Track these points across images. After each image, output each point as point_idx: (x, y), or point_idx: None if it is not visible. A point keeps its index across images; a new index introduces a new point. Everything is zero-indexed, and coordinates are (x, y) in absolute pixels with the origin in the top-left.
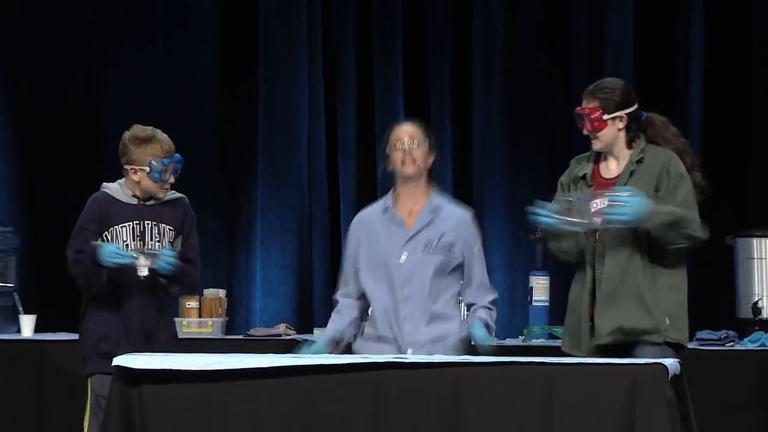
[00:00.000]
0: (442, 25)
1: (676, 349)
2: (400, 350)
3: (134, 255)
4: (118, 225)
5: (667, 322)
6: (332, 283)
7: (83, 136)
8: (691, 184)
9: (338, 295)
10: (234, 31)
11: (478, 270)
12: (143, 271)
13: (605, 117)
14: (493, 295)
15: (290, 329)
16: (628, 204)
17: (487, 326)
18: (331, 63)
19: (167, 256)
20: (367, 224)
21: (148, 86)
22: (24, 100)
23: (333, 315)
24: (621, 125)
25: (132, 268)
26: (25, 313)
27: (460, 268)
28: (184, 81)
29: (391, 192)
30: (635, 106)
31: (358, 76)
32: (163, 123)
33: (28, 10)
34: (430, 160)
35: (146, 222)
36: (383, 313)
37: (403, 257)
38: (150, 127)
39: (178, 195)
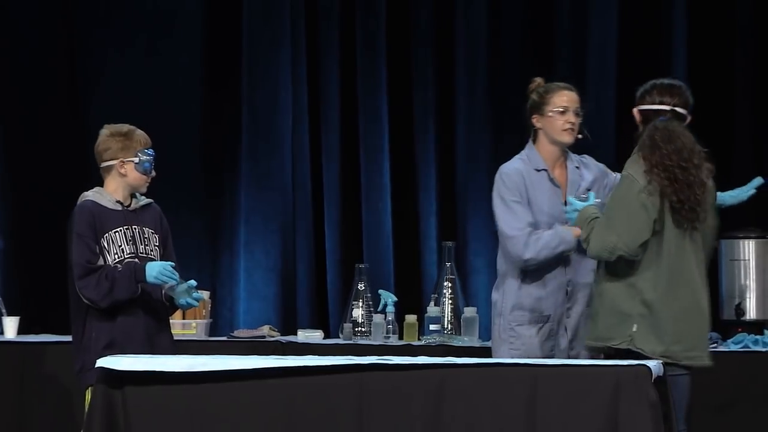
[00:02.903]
0: (425, 27)
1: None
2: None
3: (178, 280)
4: (111, 231)
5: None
6: (316, 285)
7: (67, 137)
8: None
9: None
10: (217, 33)
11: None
12: (172, 293)
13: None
14: None
15: (274, 331)
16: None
17: None
18: (315, 64)
19: (198, 294)
20: (526, 178)
21: (131, 87)
22: (7, 101)
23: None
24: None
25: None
26: (9, 314)
27: None
28: (167, 82)
29: (532, 148)
30: (646, 106)
31: (342, 78)
32: (146, 124)
33: (10, 11)
34: None
35: (133, 227)
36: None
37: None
38: (124, 124)
39: (149, 200)
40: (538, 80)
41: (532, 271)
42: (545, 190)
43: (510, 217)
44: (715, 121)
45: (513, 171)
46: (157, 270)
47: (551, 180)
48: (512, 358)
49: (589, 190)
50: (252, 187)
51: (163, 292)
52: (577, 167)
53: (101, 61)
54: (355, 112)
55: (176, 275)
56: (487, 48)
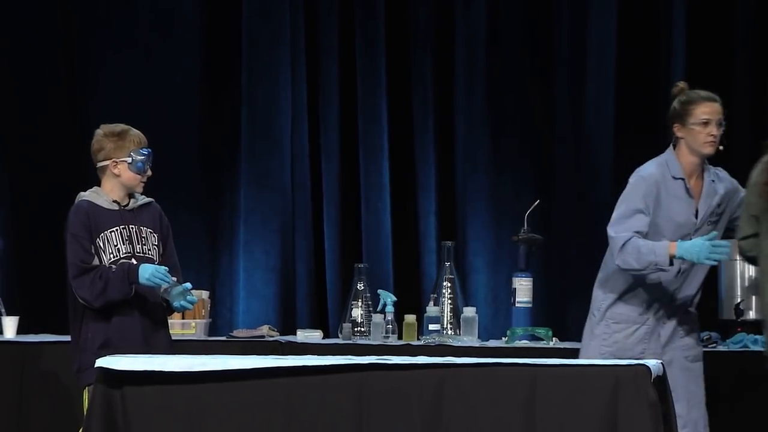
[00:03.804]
0: (424, 27)
1: None
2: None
3: (173, 282)
4: (106, 231)
5: None
6: (315, 285)
7: (66, 138)
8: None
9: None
10: (216, 33)
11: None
12: (167, 296)
13: None
14: None
15: (273, 331)
16: None
17: None
18: (314, 65)
19: (192, 297)
20: (660, 185)
21: (130, 88)
22: (6, 103)
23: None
24: None
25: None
26: (8, 314)
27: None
28: (166, 82)
29: (672, 155)
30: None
31: (341, 78)
32: (145, 124)
33: (9, 14)
34: None
35: (130, 226)
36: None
37: (693, 234)
38: (118, 123)
39: (149, 199)
40: (681, 85)
41: (639, 279)
42: (679, 200)
43: (622, 220)
44: None
45: (649, 177)
46: (150, 272)
47: (687, 190)
48: (601, 354)
49: (719, 205)
50: (251, 186)
51: (160, 294)
52: (713, 180)
53: (100, 61)
54: (355, 112)
55: (169, 278)
56: (486, 48)
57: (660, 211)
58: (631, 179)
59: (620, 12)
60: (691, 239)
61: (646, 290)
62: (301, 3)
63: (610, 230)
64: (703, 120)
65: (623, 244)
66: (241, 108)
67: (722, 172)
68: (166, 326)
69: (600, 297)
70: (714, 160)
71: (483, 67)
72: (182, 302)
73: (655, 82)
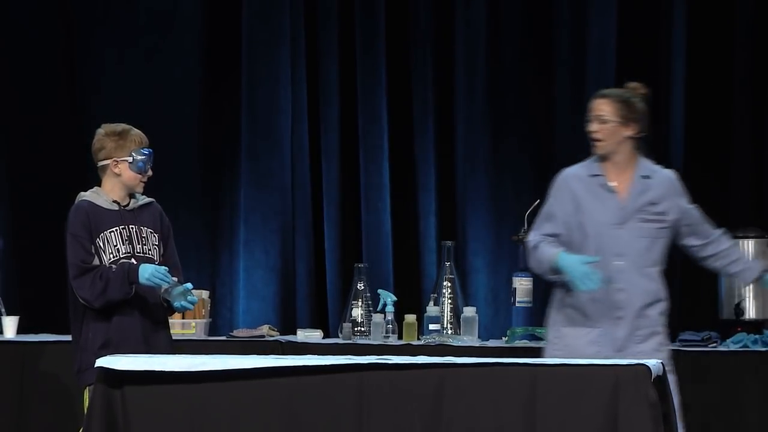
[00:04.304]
0: (424, 27)
1: None
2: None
3: (173, 282)
4: (106, 231)
5: None
6: (315, 284)
7: (66, 138)
8: None
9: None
10: (216, 32)
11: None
12: (167, 296)
13: None
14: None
15: (273, 330)
16: None
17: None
18: (314, 64)
19: (192, 297)
20: (576, 184)
21: (130, 88)
22: (6, 102)
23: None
24: None
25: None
26: (8, 314)
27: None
28: (166, 82)
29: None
30: None
31: (341, 78)
32: (145, 124)
33: (10, 13)
34: (629, 132)
35: (130, 226)
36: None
37: (617, 229)
38: (120, 123)
39: (149, 199)
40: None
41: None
42: (598, 197)
43: (537, 223)
44: (713, 121)
45: (560, 178)
46: (150, 272)
47: (607, 186)
48: (553, 357)
49: (654, 203)
50: (251, 186)
51: (160, 294)
52: (646, 177)
53: (101, 61)
54: (355, 112)
55: (169, 278)
56: (487, 48)
57: (581, 209)
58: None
59: (620, 11)
60: (619, 234)
61: (580, 295)
62: (302, 3)
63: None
64: (589, 117)
65: (532, 248)
66: (242, 108)
67: (663, 171)
68: (166, 326)
69: (553, 300)
70: (713, 156)
71: (483, 67)
72: (183, 302)
73: (655, 82)
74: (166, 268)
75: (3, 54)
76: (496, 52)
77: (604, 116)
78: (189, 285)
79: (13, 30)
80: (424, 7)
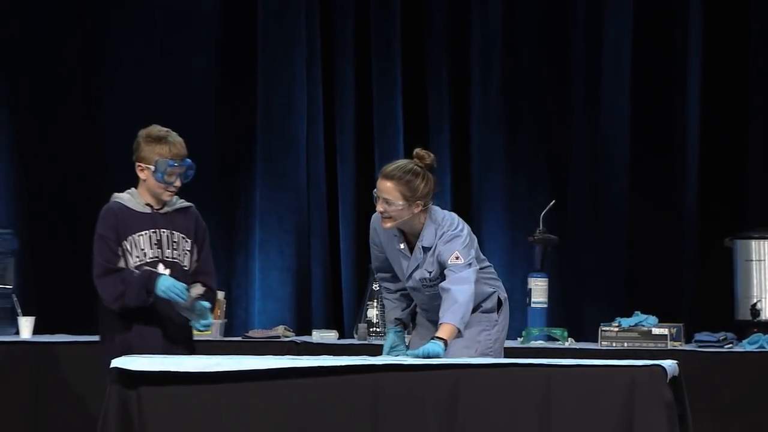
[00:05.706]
0: (440, 28)
1: None
2: None
3: (189, 300)
4: (135, 234)
5: None
6: (331, 285)
7: (81, 137)
8: None
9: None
10: (232, 33)
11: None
12: (183, 312)
13: None
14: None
15: (289, 331)
16: None
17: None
18: (330, 65)
19: (206, 321)
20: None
21: (146, 88)
22: (22, 102)
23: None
24: None
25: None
26: (24, 314)
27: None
28: (182, 83)
29: None
30: None
31: (357, 79)
32: (160, 124)
33: (25, 12)
34: (416, 209)
35: (162, 230)
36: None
37: (410, 283)
38: (167, 129)
39: (187, 204)
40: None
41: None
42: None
43: None
44: (729, 121)
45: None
46: (167, 285)
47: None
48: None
49: (428, 249)
50: (267, 187)
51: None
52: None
53: (116, 61)
54: (370, 113)
55: (185, 295)
56: (502, 48)
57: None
58: None
59: (636, 12)
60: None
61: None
62: (317, 4)
63: None
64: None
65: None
66: (257, 108)
67: (448, 233)
68: (190, 339)
69: None
70: (729, 156)
71: (498, 68)
72: (195, 324)
73: (671, 83)
74: (185, 285)
75: (20, 53)
76: (511, 53)
77: (390, 199)
78: (207, 304)
79: (30, 29)
80: (439, 8)
